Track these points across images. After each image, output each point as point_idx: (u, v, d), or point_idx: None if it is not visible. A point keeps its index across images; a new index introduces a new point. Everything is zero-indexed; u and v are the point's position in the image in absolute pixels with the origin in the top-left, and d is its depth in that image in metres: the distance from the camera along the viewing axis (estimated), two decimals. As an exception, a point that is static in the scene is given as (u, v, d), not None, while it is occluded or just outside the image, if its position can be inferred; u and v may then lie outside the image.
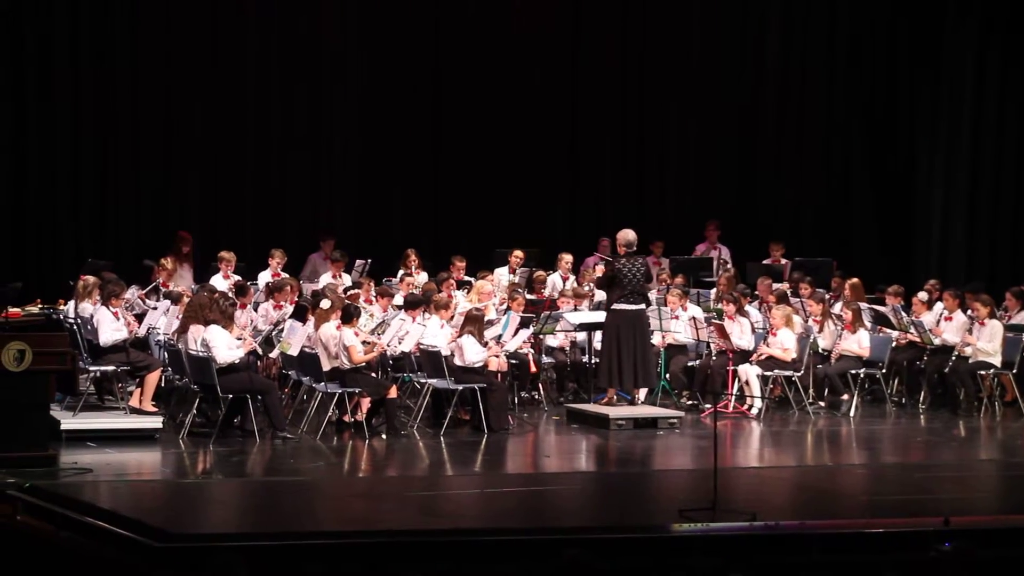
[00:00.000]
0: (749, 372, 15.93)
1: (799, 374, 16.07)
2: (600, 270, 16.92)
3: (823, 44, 22.01)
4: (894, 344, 16.59)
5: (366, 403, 14.49)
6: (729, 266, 19.40)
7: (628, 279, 15.21)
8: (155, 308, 15.47)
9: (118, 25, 19.66)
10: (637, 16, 21.88)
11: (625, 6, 21.91)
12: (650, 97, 22.02)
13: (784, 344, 15.94)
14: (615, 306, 15.29)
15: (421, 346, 14.84)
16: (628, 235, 15.48)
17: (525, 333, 15.61)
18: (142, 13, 19.77)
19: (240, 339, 14.09)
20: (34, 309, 16.00)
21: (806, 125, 22.09)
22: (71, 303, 15.21)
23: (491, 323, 15.66)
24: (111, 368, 14.48)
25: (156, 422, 14.00)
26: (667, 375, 16.48)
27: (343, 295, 15.81)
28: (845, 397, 16.23)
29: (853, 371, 16.27)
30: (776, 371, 16.01)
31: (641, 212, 21.28)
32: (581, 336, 16.34)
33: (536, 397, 16.47)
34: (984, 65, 21.05)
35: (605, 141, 21.91)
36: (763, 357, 15.98)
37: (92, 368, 14.44)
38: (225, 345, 13.78)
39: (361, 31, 20.87)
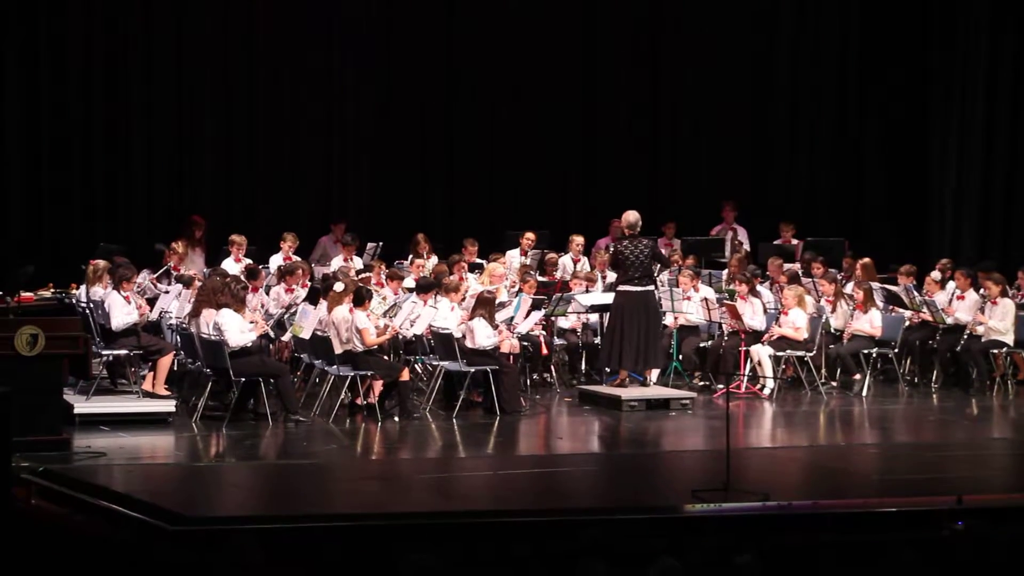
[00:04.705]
0: (761, 352, 15.91)
1: (811, 354, 16.06)
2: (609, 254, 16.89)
3: (836, 23, 21.97)
4: (906, 323, 16.57)
5: (378, 386, 14.50)
6: (745, 247, 19.38)
7: (631, 260, 15.17)
8: (167, 292, 15.50)
9: (132, 8, 19.67)
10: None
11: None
12: (663, 78, 22.00)
13: (796, 324, 15.93)
14: (620, 287, 15.27)
15: (433, 328, 14.85)
16: (630, 217, 15.45)
17: (537, 315, 15.60)
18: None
19: (252, 322, 14.10)
20: (46, 293, 16.02)
21: (820, 105, 22.05)
22: (83, 287, 15.23)
23: (503, 305, 15.67)
24: (124, 352, 14.50)
25: (169, 406, 14.01)
26: (679, 356, 16.47)
27: (355, 278, 15.82)
28: (857, 377, 16.21)
29: (865, 351, 16.25)
30: (788, 351, 16.00)
31: (654, 193, 21.28)
32: (593, 318, 16.34)
33: (548, 379, 16.47)
34: (999, 44, 20.96)
35: (618, 123, 21.89)
36: (775, 337, 15.97)
37: (105, 352, 14.45)
38: (237, 328, 13.79)
39: (375, 13, 20.86)
